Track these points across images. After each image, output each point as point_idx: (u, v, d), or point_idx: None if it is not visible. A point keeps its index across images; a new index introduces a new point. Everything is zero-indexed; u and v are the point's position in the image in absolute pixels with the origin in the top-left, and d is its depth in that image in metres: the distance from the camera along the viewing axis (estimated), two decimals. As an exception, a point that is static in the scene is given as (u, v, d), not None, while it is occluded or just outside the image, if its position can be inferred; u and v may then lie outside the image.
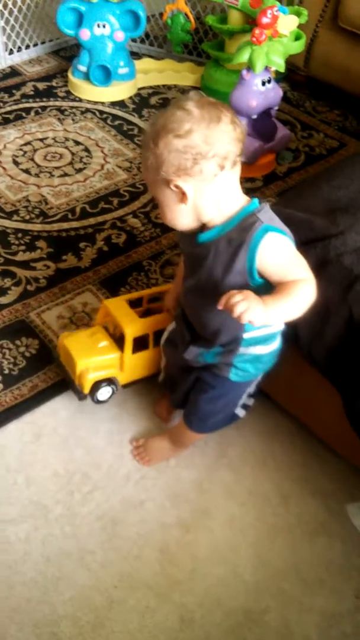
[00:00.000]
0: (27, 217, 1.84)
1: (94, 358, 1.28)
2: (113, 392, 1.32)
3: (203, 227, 0.98)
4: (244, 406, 1.20)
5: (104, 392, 1.31)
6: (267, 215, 0.95)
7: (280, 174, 2.07)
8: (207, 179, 0.91)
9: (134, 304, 1.35)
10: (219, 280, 0.97)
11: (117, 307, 1.31)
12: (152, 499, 1.23)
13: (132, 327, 1.26)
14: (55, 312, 1.57)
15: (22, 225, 1.81)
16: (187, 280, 1.08)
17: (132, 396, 1.39)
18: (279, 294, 0.92)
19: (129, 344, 1.27)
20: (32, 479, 1.25)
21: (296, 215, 1.14)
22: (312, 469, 1.29)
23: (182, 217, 0.96)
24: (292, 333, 1.11)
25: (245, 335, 1.04)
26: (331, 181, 1.25)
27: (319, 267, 1.08)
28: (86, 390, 1.28)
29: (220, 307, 0.88)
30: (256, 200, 0.97)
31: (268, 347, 1.08)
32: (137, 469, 1.28)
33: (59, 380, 1.40)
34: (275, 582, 1.13)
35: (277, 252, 0.93)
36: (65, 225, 1.83)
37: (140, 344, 1.29)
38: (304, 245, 1.11)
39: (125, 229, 1.83)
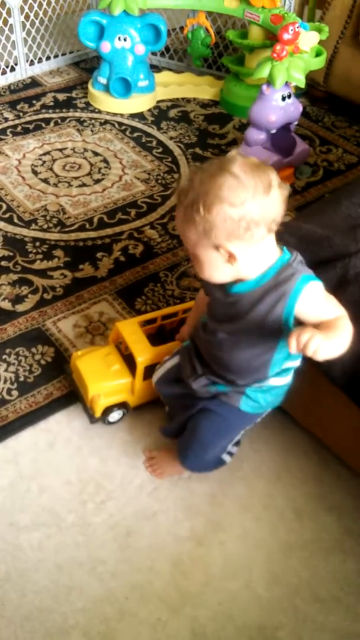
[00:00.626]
0: (45, 227, 1.86)
1: (106, 383, 1.30)
2: (124, 415, 1.35)
3: (237, 279, 0.99)
4: (229, 454, 1.22)
5: (115, 415, 1.33)
6: (301, 264, 0.97)
7: (299, 188, 2.08)
8: (256, 242, 0.92)
9: (147, 321, 1.37)
10: (251, 329, 0.99)
11: (130, 333, 1.31)
12: (165, 510, 1.23)
13: (144, 355, 1.27)
14: (71, 320, 1.58)
15: (40, 234, 1.83)
16: (212, 323, 1.08)
17: (146, 407, 1.39)
18: (329, 330, 0.92)
19: (140, 373, 1.28)
20: (45, 487, 1.25)
21: (316, 232, 1.14)
22: (327, 485, 1.28)
23: (222, 275, 0.97)
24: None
25: (271, 381, 1.08)
26: (352, 197, 1.25)
27: (338, 286, 1.08)
28: (97, 414, 1.30)
29: (292, 351, 0.89)
30: (284, 248, 0.99)
31: (283, 379, 1.10)
32: (150, 480, 1.27)
33: (74, 389, 1.41)
34: (288, 598, 1.12)
35: (317, 300, 0.96)
36: (82, 235, 1.84)
37: (151, 369, 1.29)
38: (323, 264, 1.11)
39: (142, 239, 1.84)
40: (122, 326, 1.33)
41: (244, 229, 0.89)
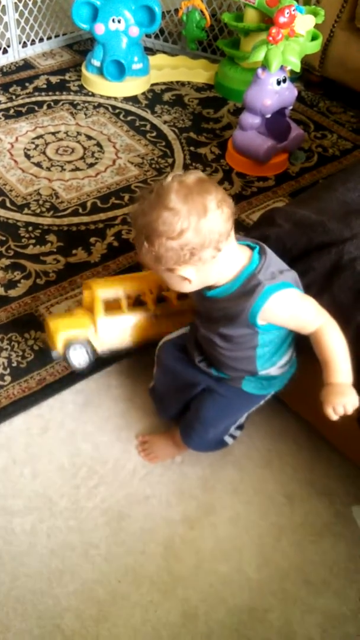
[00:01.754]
0: (38, 211, 1.84)
1: (67, 319, 1.32)
2: (90, 360, 1.32)
3: (210, 285, 1.02)
4: (232, 436, 1.23)
5: (79, 355, 1.31)
6: (267, 271, 0.97)
7: (293, 173, 2.07)
8: (206, 262, 0.94)
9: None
10: (228, 331, 1.03)
11: (95, 281, 1.34)
12: (158, 494, 1.24)
13: (102, 287, 1.29)
14: (64, 306, 1.57)
15: (33, 219, 1.82)
16: (197, 319, 1.12)
17: (139, 392, 1.39)
18: (331, 363, 0.99)
19: (98, 304, 1.28)
20: (38, 472, 1.25)
21: (310, 218, 1.13)
22: (318, 470, 1.29)
23: (186, 289, 1.00)
24: (305, 337, 1.10)
25: (260, 372, 1.10)
26: (347, 183, 1.24)
27: (333, 272, 1.08)
28: (58, 346, 1.29)
29: (334, 419, 0.98)
30: (256, 253, 0.99)
31: (281, 369, 1.11)
32: (143, 465, 1.28)
33: (67, 374, 1.41)
34: (279, 581, 1.14)
35: (281, 311, 0.98)
36: (75, 219, 1.83)
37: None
38: (318, 249, 1.11)
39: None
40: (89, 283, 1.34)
41: (188, 255, 0.91)
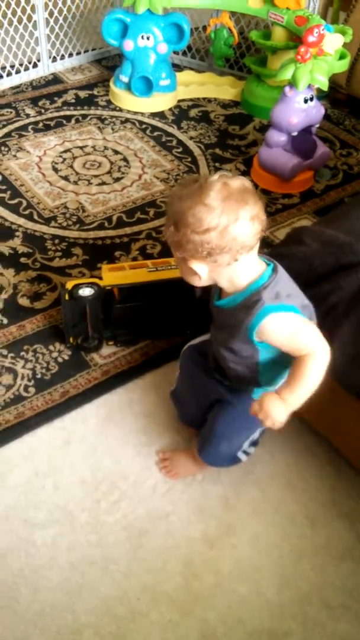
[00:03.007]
0: (65, 224, 1.87)
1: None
2: (95, 292, 1.41)
3: (221, 292, 1.04)
4: (245, 453, 1.22)
5: (86, 291, 1.40)
6: (272, 290, 0.97)
7: (318, 191, 2.07)
8: (221, 266, 0.95)
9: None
10: (230, 341, 1.04)
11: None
12: (178, 512, 1.23)
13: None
14: (88, 319, 1.58)
15: (60, 232, 1.84)
16: (212, 329, 1.12)
17: (161, 407, 1.39)
18: (293, 382, 0.97)
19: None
20: (60, 485, 1.26)
21: (339, 238, 1.13)
22: (340, 491, 1.28)
23: (194, 282, 1.02)
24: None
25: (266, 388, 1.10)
26: (375, 204, 1.24)
27: (359, 293, 1.07)
28: (69, 286, 1.40)
29: (250, 412, 0.98)
30: (269, 270, 0.99)
31: None
32: (164, 481, 1.28)
33: (91, 387, 1.42)
34: (298, 604, 1.12)
35: (276, 332, 0.97)
36: (101, 233, 1.85)
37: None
38: (345, 268, 1.11)
39: (160, 239, 1.84)
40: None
41: (206, 254, 0.93)
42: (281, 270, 1.01)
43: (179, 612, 1.10)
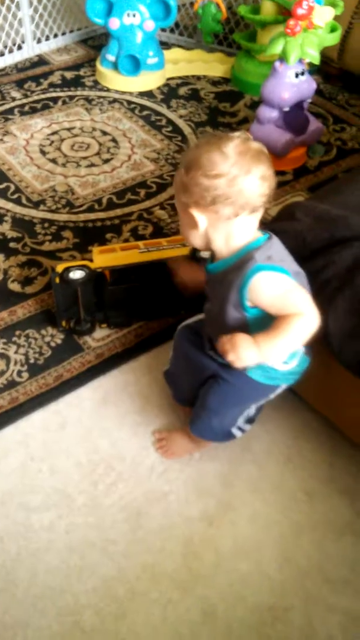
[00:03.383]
0: (54, 207, 1.84)
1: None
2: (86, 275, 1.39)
3: (213, 257, 1.04)
4: (240, 429, 1.21)
5: (77, 273, 1.38)
6: (265, 253, 0.96)
7: (311, 167, 2.04)
8: (221, 218, 0.96)
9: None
10: (222, 310, 1.02)
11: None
12: (176, 491, 1.23)
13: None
14: (81, 302, 1.57)
15: (49, 215, 1.81)
16: (206, 301, 1.11)
17: (156, 388, 1.38)
18: (272, 331, 0.95)
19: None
20: (56, 468, 1.25)
21: (332, 212, 1.12)
22: (339, 467, 1.28)
23: (193, 238, 1.02)
24: (323, 333, 1.09)
25: (270, 364, 1.07)
26: (368, 176, 1.22)
27: (354, 267, 1.06)
28: (59, 270, 1.39)
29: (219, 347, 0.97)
30: (264, 236, 1.00)
31: (286, 365, 1.09)
32: (161, 462, 1.27)
33: (85, 370, 1.41)
34: (299, 580, 1.12)
35: (266, 290, 0.96)
36: (91, 215, 1.82)
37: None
38: (340, 243, 1.09)
39: (151, 220, 1.82)
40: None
41: (209, 200, 0.93)
42: (276, 239, 1.00)
43: (179, 591, 1.10)
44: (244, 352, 0.93)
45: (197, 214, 0.96)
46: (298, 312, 0.95)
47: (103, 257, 1.43)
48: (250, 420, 1.21)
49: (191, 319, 1.23)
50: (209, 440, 1.24)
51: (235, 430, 1.20)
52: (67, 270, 1.38)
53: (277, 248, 0.99)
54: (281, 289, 0.96)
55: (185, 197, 0.96)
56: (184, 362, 1.22)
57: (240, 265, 0.97)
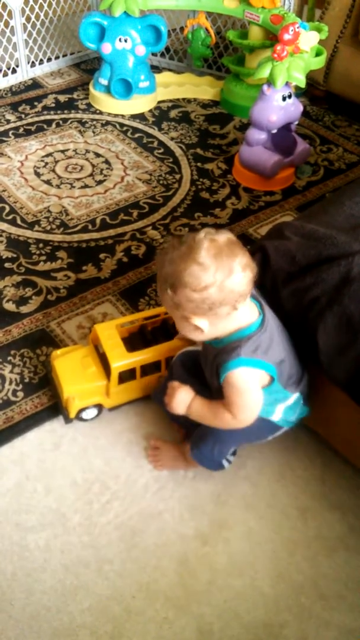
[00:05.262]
0: (48, 228, 1.87)
1: (81, 385, 1.31)
2: (98, 413, 1.37)
3: None
4: (228, 460, 1.25)
5: (89, 413, 1.35)
6: (254, 344, 1.03)
7: (300, 187, 2.09)
8: (221, 316, 1.01)
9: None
10: (208, 376, 1.14)
11: (107, 337, 1.33)
12: (170, 510, 1.24)
13: (119, 361, 1.29)
14: (75, 322, 1.58)
15: (43, 236, 1.84)
16: (202, 359, 1.18)
17: (151, 406, 1.39)
18: (207, 408, 1.11)
19: (114, 378, 1.30)
20: (51, 488, 1.26)
21: (319, 231, 1.15)
22: (331, 483, 1.29)
23: (195, 337, 1.08)
24: (313, 349, 1.11)
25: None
26: (354, 197, 1.25)
27: (342, 284, 1.09)
28: (72, 415, 1.32)
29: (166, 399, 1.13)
30: (258, 321, 1.06)
31: (282, 416, 1.17)
32: (155, 480, 1.28)
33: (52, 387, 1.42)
34: (293, 596, 1.13)
35: (234, 383, 1.05)
36: (85, 236, 1.85)
37: (127, 373, 1.32)
38: (327, 261, 1.12)
39: (144, 240, 1.85)
40: (100, 329, 1.34)
41: (207, 308, 0.98)
42: (269, 319, 1.07)
43: (174, 609, 1.10)
44: (176, 404, 1.11)
45: (199, 321, 1.01)
46: (234, 412, 1.07)
47: (118, 395, 1.35)
48: (234, 452, 1.25)
49: (190, 348, 1.27)
50: (204, 466, 1.25)
51: (224, 462, 1.24)
52: (82, 410, 1.33)
53: (267, 335, 1.05)
54: (244, 388, 1.05)
55: (181, 312, 1.01)
56: (179, 376, 1.24)
57: (229, 350, 1.03)
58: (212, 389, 1.15)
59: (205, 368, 1.16)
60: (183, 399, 1.11)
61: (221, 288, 0.96)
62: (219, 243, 0.96)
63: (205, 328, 1.02)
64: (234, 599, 1.12)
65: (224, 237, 0.98)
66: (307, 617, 1.11)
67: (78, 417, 1.34)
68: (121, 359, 1.29)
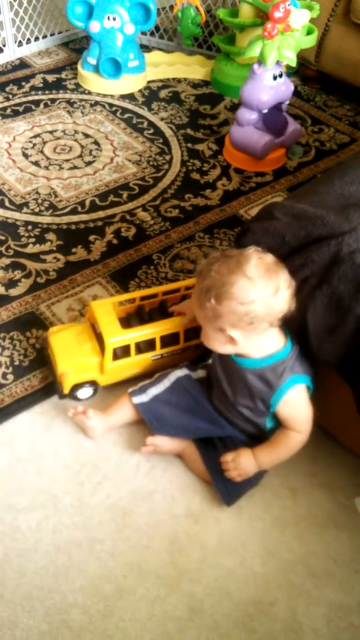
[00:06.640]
0: (37, 210, 1.85)
1: (76, 360, 1.31)
2: (94, 393, 1.36)
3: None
4: None
5: (84, 392, 1.35)
6: (296, 362, 1.10)
7: (291, 168, 2.07)
8: (257, 331, 1.05)
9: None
10: (239, 400, 1.16)
11: (103, 313, 1.32)
12: (161, 489, 1.24)
13: (113, 337, 1.28)
14: (65, 304, 1.58)
15: (32, 218, 1.82)
16: (218, 377, 1.19)
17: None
18: (273, 448, 1.16)
19: (109, 354, 1.30)
20: (42, 469, 1.26)
21: (309, 211, 1.14)
22: (321, 462, 1.30)
23: (224, 350, 1.10)
24: (303, 329, 1.11)
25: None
26: (344, 177, 1.24)
27: (332, 264, 1.08)
28: (66, 391, 1.32)
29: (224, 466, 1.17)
30: (289, 344, 1.12)
31: None
32: (146, 460, 1.28)
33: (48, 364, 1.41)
34: (283, 574, 1.14)
35: (296, 406, 1.12)
36: (74, 218, 1.83)
37: (122, 350, 1.31)
38: (316, 242, 1.11)
39: (134, 222, 1.83)
40: (96, 306, 1.34)
41: (247, 322, 1.02)
42: (295, 342, 1.13)
43: (166, 588, 1.11)
44: (246, 470, 1.15)
45: (234, 333, 1.04)
46: (299, 430, 1.13)
47: (113, 373, 1.34)
48: None
49: (195, 373, 1.29)
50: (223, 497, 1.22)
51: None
52: (77, 386, 1.32)
53: (300, 350, 1.12)
54: (304, 403, 1.12)
55: (219, 323, 1.03)
56: (182, 400, 1.25)
57: (275, 372, 1.08)
58: (228, 399, 1.18)
59: (223, 382, 1.18)
60: (248, 462, 1.15)
61: (266, 304, 1.00)
62: (267, 261, 1.02)
63: (239, 341, 1.05)
64: (224, 577, 1.14)
65: (270, 256, 1.04)
66: (296, 594, 1.12)
67: (73, 396, 1.33)
68: (116, 335, 1.29)
